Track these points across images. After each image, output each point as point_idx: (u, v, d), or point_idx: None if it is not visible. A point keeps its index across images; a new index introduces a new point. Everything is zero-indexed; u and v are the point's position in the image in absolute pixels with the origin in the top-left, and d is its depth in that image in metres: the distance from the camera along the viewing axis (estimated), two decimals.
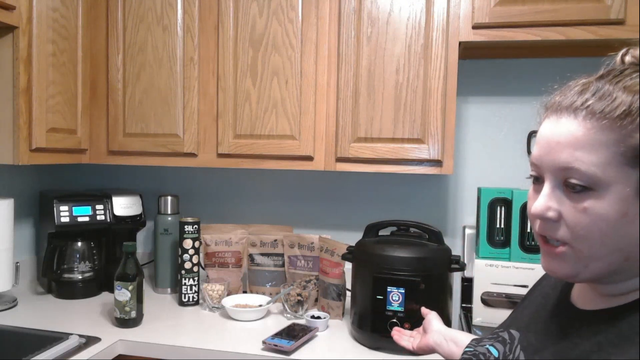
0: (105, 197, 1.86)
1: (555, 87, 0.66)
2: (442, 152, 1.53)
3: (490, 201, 1.58)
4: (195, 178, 2.09)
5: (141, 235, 2.09)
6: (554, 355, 0.64)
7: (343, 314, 1.67)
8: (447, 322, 1.45)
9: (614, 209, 0.57)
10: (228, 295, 1.73)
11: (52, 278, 1.79)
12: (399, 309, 1.39)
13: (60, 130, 1.65)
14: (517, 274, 1.52)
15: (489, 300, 1.55)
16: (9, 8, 1.43)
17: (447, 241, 1.62)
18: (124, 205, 1.87)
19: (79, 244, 1.81)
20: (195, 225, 1.75)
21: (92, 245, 1.83)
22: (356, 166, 1.60)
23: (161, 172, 2.11)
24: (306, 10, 1.59)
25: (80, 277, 1.79)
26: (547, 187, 0.62)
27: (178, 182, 2.10)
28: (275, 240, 1.83)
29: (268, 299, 1.71)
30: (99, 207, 1.84)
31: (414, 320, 1.36)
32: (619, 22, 1.38)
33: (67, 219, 1.76)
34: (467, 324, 1.59)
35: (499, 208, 1.57)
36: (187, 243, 1.74)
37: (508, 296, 1.52)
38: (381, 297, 1.40)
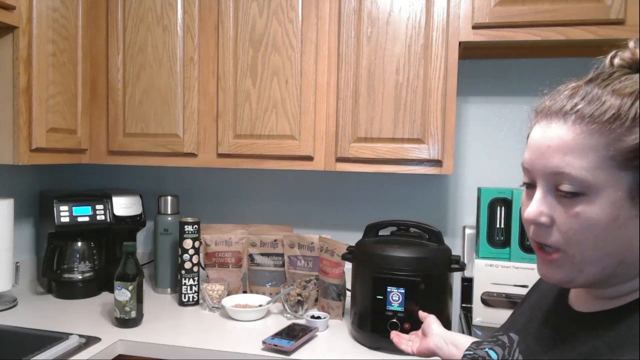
0: (105, 197, 1.86)
1: (544, 92, 0.66)
2: (442, 152, 1.53)
3: (490, 201, 1.58)
4: (195, 178, 2.09)
5: (141, 235, 2.09)
6: (552, 358, 0.64)
7: (343, 314, 1.67)
8: (447, 322, 1.45)
9: (605, 213, 0.57)
10: (228, 295, 1.73)
11: (52, 278, 1.79)
12: (399, 309, 1.39)
13: (60, 130, 1.65)
14: (517, 274, 1.52)
15: (489, 300, 1.55)
16: (9, 8, 1.43)
17: (447, 241, 1.62)
18: (124, 205, 1.87)
19: (79, 244, 1.81)
20: (195, 225, 1.75)
21: (92, 245, 1.83)
22: (356, 166, 1.60)
23: (161, 172, 2.11)
24: (306, 10, 1.59)
25: (80, 277, 1.79)
26: (539, 193, 0.62)
27: (178, 182, 2.10)
28: (275, 240, 1.83)
29: (268, 299, 1.71)
30: (99, 207, 1.84)
31: (413, 321, 1.35)
32: (619, 22, 1.38)
33: (67, 219, 1.76)
34: (467, 324, 1.59)
35: (499, 208, 1.57)
36: (187, 243, 1.74)
37: (508, 296, 1.52)
38: (381, 297, 1.40)
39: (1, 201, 1.60)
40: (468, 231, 1.76)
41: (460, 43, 1.51)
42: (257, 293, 1.82)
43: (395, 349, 1.11)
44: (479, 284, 1.56)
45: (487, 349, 0.75)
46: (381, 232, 1.59)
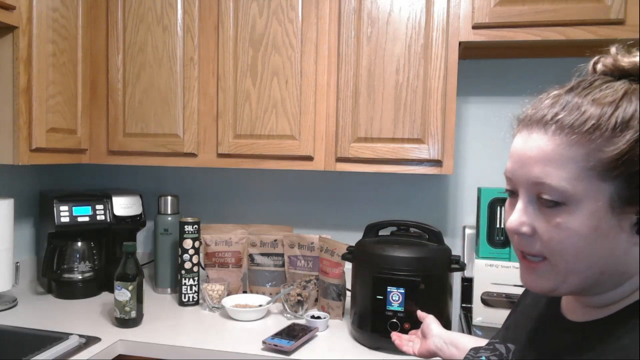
0: (105, 197, 1.86)
1: (526, 101, 0.66)
2: (442, 152, 1.53)
3: (490, 201, 1.58)
4: (195, 178, 2.09)
5: (141, 235, 2.09)
6: None
7: (343, 314, 1.67)
8: (447, 323, 1.45)
9: (586, 224, 0.57)
10: (228, 295, 1.73)
11: (52, 278, 1.79)
12: (399, 309, 1.39)
13: (60, 130, 1.65)
14: (517, 274, 1.51)
15: (489, 300, 1.55)
16: (9, 8, 1.43)
17: (447, 241, 1.62)
18: (124, 205, 1.87)
19: (79, 244, 1.81)
20: (195, 225, 1.75)
21: (92, 245, 1.83)
22: (356, 166, 1.60)
23: (161, 172, 2.11)
24: (306, 10, 1.59)
25: (80, 277, 1.79)
26: (520, 202, 0.62)
27: (178, 182, 2.10)
28: (275, 240, 1.83)
29: (268, 299, 1.71)
30: (99, 207, 1.84)
31: (413, 321, 1.35)
32: (619, 22, 1.38)
33: (67, 219, 1.76)
34: (467, 324, 1.59)
35: (499, 208, 1.57)
36: (187, 243, 1.74)
37: (508, 296, 1.52)
38: (381, 297, 1.40)
39: (1, 201, 1.60)
40: (468, 231, 1.76)
41: (460, 43, 1.51)
42: (257, 293, 1.82)
43: (395, 349, 1.12)
44: (479, 284, 1.56)
45: (483, 358, 0.75)
46: (381, 232, 1.59)
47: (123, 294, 1.49)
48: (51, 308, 1.68)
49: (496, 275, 1.54)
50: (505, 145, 1.79)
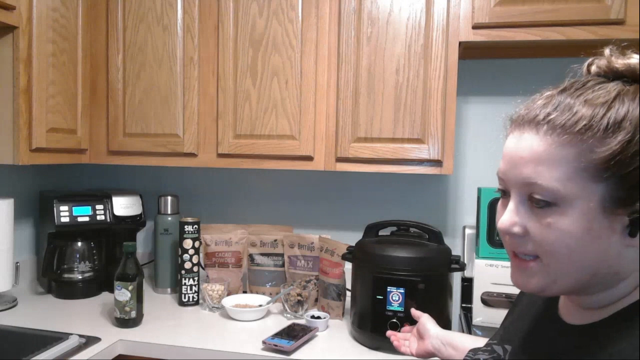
0: (105, 197, 1.86)
1: (519, 101, 0.65)
2: (442, 152, 1.53)
3: (490, 201, 1.58)
4: (195, 178, 2.09)
5: (141, 235, 2.09)
6: None
7: (343, 314, 1.67)
8: (447, 322, 1.45)
9: (577, 225, 0.57)
10: (228, 295, 1.73)
11: (52, 278, 1.79)
12: (399, 309, 1.39)
13: (60, 130, 1.65)
14: None
15: (489, 300, 1.55)
16: (9, 8, 1.43)
17: (447, 241, 1.62)
18: (124, 205, 1.87)
19: (79, 244, 1.81)
20: (195, 225, 1.75)
21: (92, 245, 1.83)
22: (356, 166, 1.60)
23: (161, 172, 2.11)
24: (306, 10, 1.59)
25: (80, 277, 1.79)
26: (512, 202, 0.62)
27: (178, 182, 2.10)
28: (275, 240, 1.83)
29: (268, 299, 1.71)
30: (99, 207, 1.84)
31: (413, 321, 1.35)
32: (619, 22, 1.38)
33: (67, 219, 1.76)
34: (467, 324, 1.59)
35: None
36: (187, 243, 1.74)
37: (508, 296, 1.52)
38: (381, 297, 1.40)
39: (1, 201, 1.60)
40: (468, 231, 1.76)
41: (460, 43, 1.51)
42: (257, 293, 1.82)
43: (395, 349, 1.12)
44: (479, 284, 1.56)
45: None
46: (381, 232, 1.59)
47: (123, 294, 1.49)
48: (51, 308, 1.68)
49: (496, 275, 1.54)
50: None
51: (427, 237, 1.51)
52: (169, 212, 1.88)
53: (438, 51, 1.51)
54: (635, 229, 0.56)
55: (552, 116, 0.59)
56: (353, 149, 1.58)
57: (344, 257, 1.56)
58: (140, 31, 1.73)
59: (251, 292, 1.85)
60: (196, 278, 1.75)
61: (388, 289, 1.40)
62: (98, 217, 1.82)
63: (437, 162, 1.54)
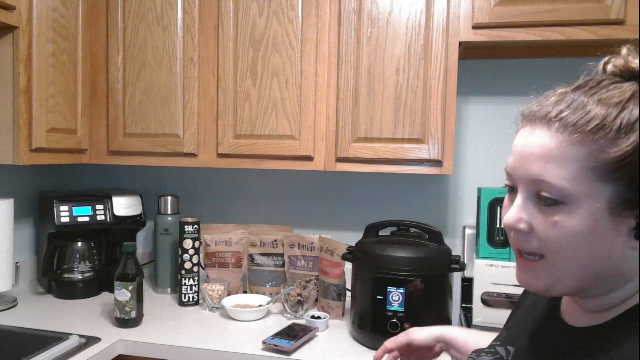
0: (105, 197, 1.86)
1: (531, 96, 0.65)
2: (442, 152, 1.53)
3: (490, 201, 1.58)
4: (195, 178, 2.09)
5: (141, 235, 2.09)
6: None
7: (343, 314, 1.67)
8: (447, 323, 1.45)
9: (583, 224, 0.56)
10: (228, 295, 1.73)
11: (52, 278, 1.79)
12: (399, 309, 1.39)
13: (60, 130, 1.65)
14: None
15: (489, 300, 1.55)
16: (9, 8, 1.43)
17: (447, 241, 1.62)
18: (124, 205, 1.87)
19: (79, 244, 1.81)
20: (195, 225, 1.75)
21: (92, 245, 1.83)
22: (356, 166, 1.60)
23: (161, 172, 2.11)
24: (306, 10, 1.59)
25: (80, 277, 1.79)
26: (519, 198, 0.61)
27: (178, 182, 2.10)
28: (275, 240, 1.83)
29: (268, 299, 1.71)
30: (99, 207, 1.84)
31: (413, 321, 1.36)
32: (619, 22, 1.38)
33: (67, 219, 1.76)
34: (467, 324, 1.59)
35: (499, 208, 1.57)
36: (187, 243, 1.74)
37: (508, 296, 1.52)
38: (381, 297, 1.40)
39: (1, 201, 1.60)
40: (468, 231, 1.76)
41: (460, 43, 1.51)
42: (257, 293, 1.81)
43: None
44: (479, 284, 1.55)
45: None
46: (381, 232, 1.59)
47: (123, 294, 1.49)
48: (51, 308, 1.68)
49: (496, 275, 1.54)
50: (505, 146, 1.79)
51: (427, 237, 1.51)
52: (169, 212, 1.88)
53: (438, 51, 1.51)
54: None
55: (564, 114, 0.58)
56: (353, 149, 1.58)
57: (344, 257, 1.56)
58: (140, 31, 1.73)
59: (251, 292, 1.85)
60: (196, 278, 1.75)
61: (388, 289, 1.40)
62: (98, 217, 1.82)
63: (437, 162, 1.54)
